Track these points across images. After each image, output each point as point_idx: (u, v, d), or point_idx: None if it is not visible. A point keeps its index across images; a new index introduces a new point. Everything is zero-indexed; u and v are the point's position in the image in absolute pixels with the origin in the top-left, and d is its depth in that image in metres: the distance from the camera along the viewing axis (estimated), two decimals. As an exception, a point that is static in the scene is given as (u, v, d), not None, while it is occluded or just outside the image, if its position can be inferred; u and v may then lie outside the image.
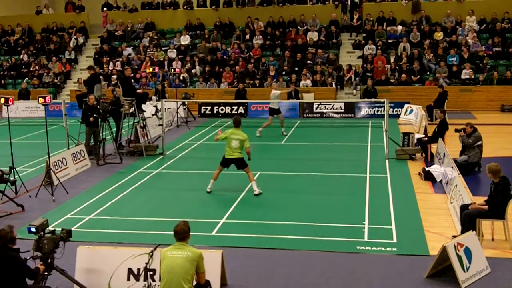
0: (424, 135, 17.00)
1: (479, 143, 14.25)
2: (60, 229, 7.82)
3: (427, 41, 27.28)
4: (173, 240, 6.92)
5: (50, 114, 17.77)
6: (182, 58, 28.70)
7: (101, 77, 24.04)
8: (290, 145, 18.76)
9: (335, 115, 24.32)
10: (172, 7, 31.61)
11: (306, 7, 30.30)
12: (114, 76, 26.85)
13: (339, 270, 8.80)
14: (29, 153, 17.34)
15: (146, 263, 7.66)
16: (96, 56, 29.81)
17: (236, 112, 24.83)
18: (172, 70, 25.85)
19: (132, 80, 21.73)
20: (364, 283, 8.35)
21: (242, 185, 13.28)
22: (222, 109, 25.26)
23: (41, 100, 13.06)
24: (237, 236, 10.31)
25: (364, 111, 24.17)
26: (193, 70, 28.03)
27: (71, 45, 30.75)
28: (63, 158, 14.60)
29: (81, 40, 31.31)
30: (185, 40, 29.77)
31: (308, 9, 30.07)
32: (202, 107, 25.47)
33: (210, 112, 25.37)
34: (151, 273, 7.83)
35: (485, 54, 26.28)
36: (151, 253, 7.69)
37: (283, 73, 26.85)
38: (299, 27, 29.35)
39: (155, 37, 30.37)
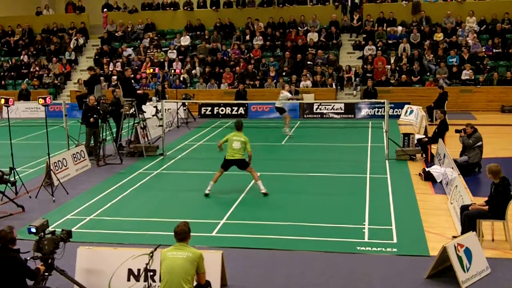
0: (424, 136, 16.99)
1: (479, 143, 14.24)
2: (60, 229, 7.84)
3: (427, 41, 27.28)
4: (173, 241, 6.93)
5: (50, 115, 17.75)
6: (182, 59, 28.71)
7: (101, 78, 24.07)
8: (290, 146, 18.76)
9: (335, 116, 24.31)
10: (172, 8, 31.61)
11: (306, 8, 30.30)
12: (114, 77, 26.83)
13: (339, 270, 8.80)
14: (29, 153, 17.34)
15: (146, 264, 7.66)
16: (96, 57, 29.82)
17: (236, 113, 24.84)
18: (172, 71, 25.82)
19: (132, 81, 21.77)
20: (364, 283, 8.35)
21: (242, 186, 13.29)
22: (222, 110, 25.25)
23: (41, 101, 13.08)
24: (237, 236, 10.31)
25: (364, 111, 24.16)
26: (193, 71, 28.03)
27: (71, 46, 30.74)
28: (63, 158, 14.61)
29: (81, 41, 31.31)
30: (185, 40, 29.77)
31: (308, 10, 30.07)
32: (202, 108, 25.46)
33: (210, 112, 25.35)
34: (151, 273, 7.84)
35: (485, 55, 26.27)
36: (151, 254, 7.69)
37: (283, 74, 26.85)
38: (299, 28, 29.35)
39: (155, 37, 30.37)
